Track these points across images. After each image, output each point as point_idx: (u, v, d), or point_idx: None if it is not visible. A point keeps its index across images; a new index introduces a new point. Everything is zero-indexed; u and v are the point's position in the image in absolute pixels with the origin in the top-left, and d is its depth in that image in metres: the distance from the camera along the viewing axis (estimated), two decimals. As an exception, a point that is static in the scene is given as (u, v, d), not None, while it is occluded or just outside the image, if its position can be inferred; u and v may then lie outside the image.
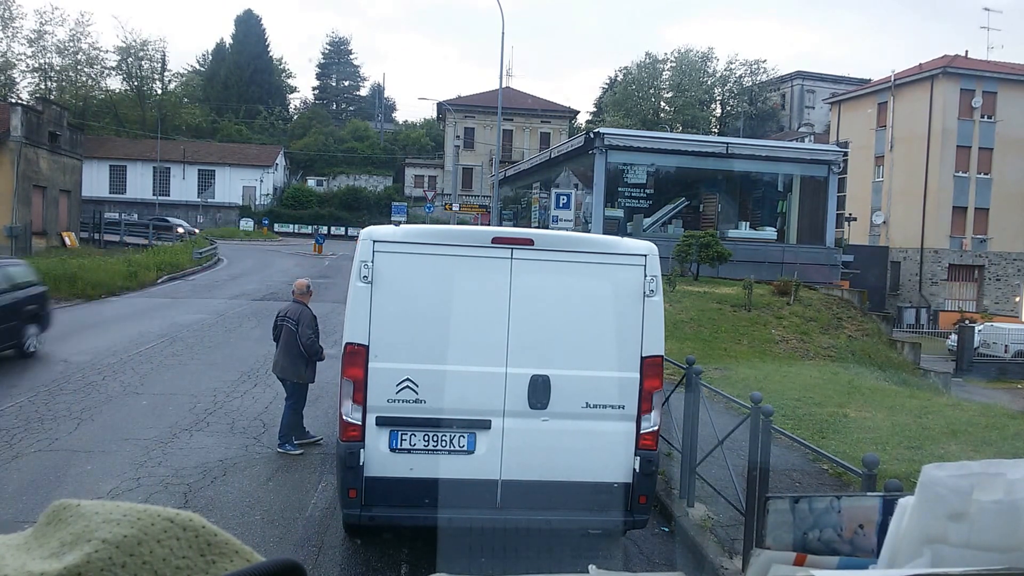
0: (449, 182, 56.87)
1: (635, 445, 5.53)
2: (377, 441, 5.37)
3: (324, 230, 54.14)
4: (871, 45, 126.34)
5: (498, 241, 5.44)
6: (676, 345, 13.93)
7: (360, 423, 5.32)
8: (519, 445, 5.43)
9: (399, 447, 5.40)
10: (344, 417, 5.34)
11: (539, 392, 5.42)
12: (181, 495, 6.97)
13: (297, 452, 8.28)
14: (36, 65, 64.62)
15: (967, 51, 44.92)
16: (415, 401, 5.37)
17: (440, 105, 62.65)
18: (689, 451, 7.13)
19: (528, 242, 5.46)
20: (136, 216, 53.35)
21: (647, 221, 26.75)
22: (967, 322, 32.86)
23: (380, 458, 5.36)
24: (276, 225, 57.83)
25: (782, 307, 19.54)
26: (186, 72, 76.81)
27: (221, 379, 11.72)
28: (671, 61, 70.04)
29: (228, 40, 74.30)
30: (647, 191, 27.30)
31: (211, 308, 19.89)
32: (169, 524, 0.69)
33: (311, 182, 65.51)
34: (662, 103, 70.93)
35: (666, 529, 6.83)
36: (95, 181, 54.82)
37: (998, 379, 27.46)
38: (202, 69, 77.19)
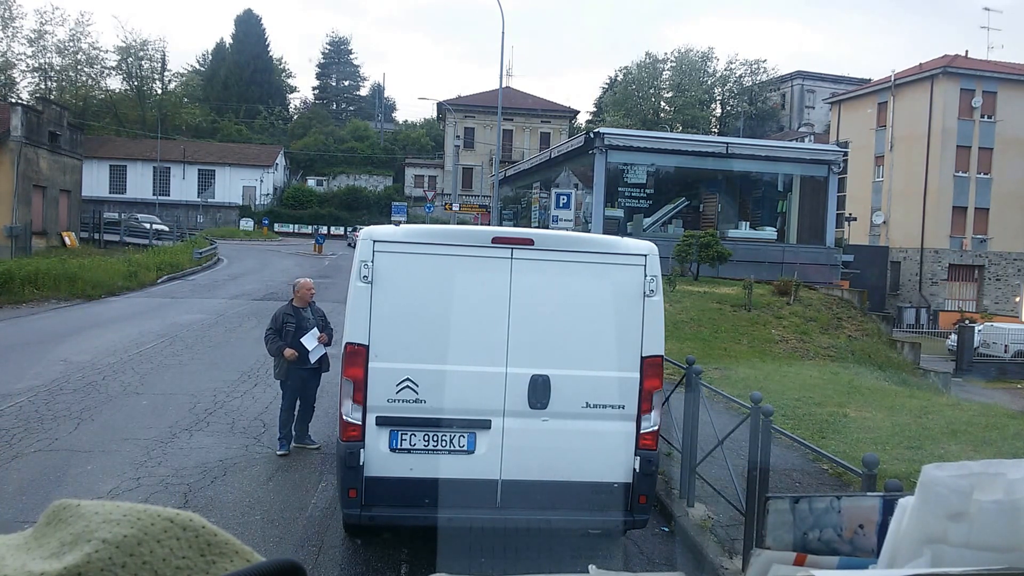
0: (449, 182, 56.88)
1: (635, 445, 5.53)
2: (377, 441, 5.37)
3: (324, 230, 54.13)
4: (871, 45, 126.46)
5: (498, 241, 5.44)
6: (676, 345, 13.93)
7: (360, 423, 5.32)
8: (519, 445, 5.43)
9: (399, 447, 5.40)
10: (344, 417, 5.34)
11: (539, 392, 5.42)
12: (181, 495, 6.97)
13: (282, 452, 8.22)
14: (36, 65, 64.71)
15: (967, 51, 44.97)
16: (415, 401, 5.37)
17: (440, 105, 62.65)
18: (689, 451, 7.13)
19: (528, 242, 5.46)
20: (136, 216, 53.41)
21: (647, 221, 26.76)
22: (967, 322, 32.85)
23: (380, 458, 5.36)
24: (276, 225, 57.85)
25: (782, 307, 19.55)
26: (186, 72, 76.90)
27: (221, 379, 11.72)
28: (671, 61, 70.09)
29: (228, 40, 74.37)
30: (647, 191, 27.31)
31: (211, 308, 19.89)
32: (169, 524, 0.69)
33: (311, 182, 65.51)
34: (662, 103, 70.96)
35: (666, 529, 6.83)
36: (95, 181, 54.85)
37: (998, 379, 27.45)
38: (202, 69, 77.21)
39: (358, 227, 52.81)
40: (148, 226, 46.06)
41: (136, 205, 57.39)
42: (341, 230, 56.84)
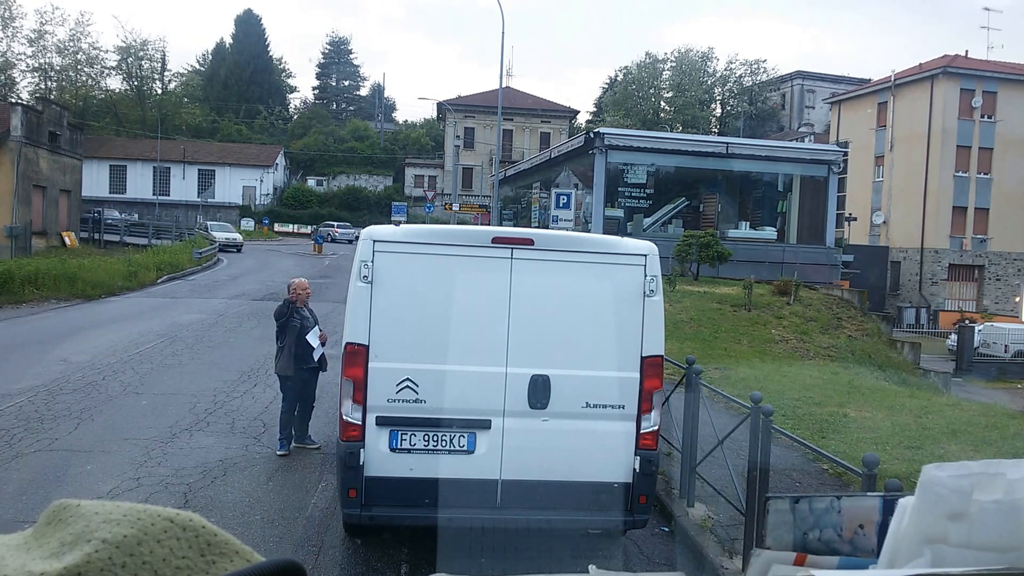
0: (449, 182, 56.89)
1: (635, 445, 5.53)
2: (377, 441, 5.37)
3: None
4: (871, 45, 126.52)
5: (498, 241, 5.44)
6: (676, 345, 13.93)
7: (360, 423, 5.32)
8: (519, 445, 5.43)
9: (399, 447, 5.40)
10: (344, 417, 5.34)
11: (539, 392, 5.42)
12: (181, 495, 6.97)
13: (281, 452, 8.24)
14: (36, 65, 64.76)
15: (967, 51, 44.96)
16: (415, 401, 5.37)
17: (440, 105, 62.66)
18: (689, 451, 7.13)
19: (528, 242, 5.46)
20: (136, 216, 53.32)
21: (647, 221, 26.76)
22: (967, 322, 32.85)
23: (380, 458, 5.36)
24: (276, 225, 57.89)
25: (782, 307, 19.54)
26: (186, 72, 76.93)
27: (221, 379, 11.72)
28: (671, 61, 70.12)
29: (228, 40, 74.40)
30: (647, 191, 27.31)
31: (211, 308, 19.89)
32: (169, 524, 0.69)
33: (311, 182, 65.54)
34: (662, 103, 70.98)
35: (666, 529, 6.83)
36: (95, 181, 54.82)
37: (998, 379, 27.45)
38: (202, 69, 77.23)
39: (335, 224, 52.98)
40: (225, 236, 40.83)
41: (136, 205, 57.39)
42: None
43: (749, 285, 19.13)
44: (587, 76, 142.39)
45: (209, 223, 45.66)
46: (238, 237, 42.17)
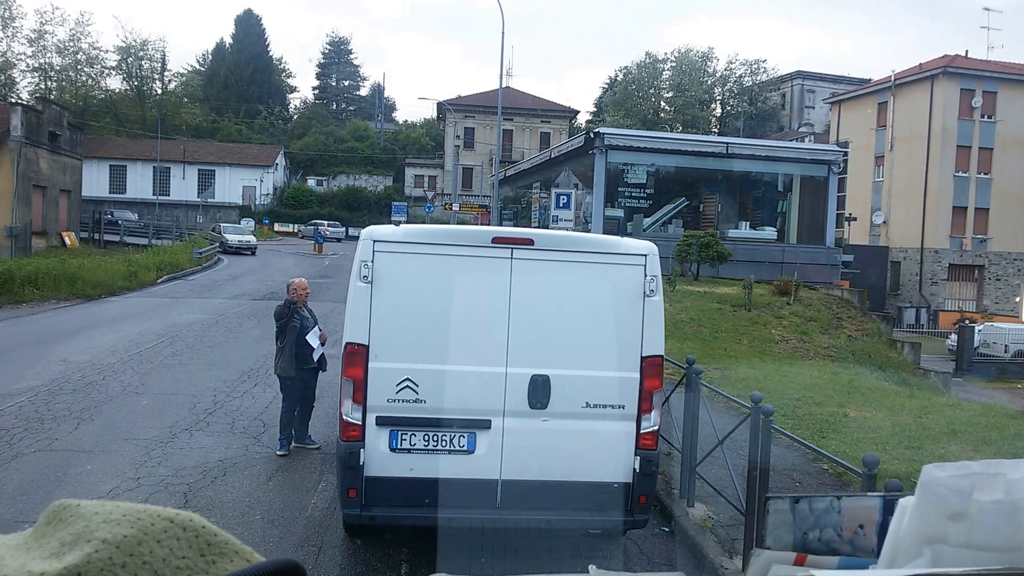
0: (449, 182, 56.89)
1: (635, 445, 5.53)
2: (377, 441, 5.37)
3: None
4: (871, 45, 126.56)
5: (498, 241, 5.44)
6: (676, 345, 13.94)
7: (360, 423, 5.32)
8: (519, 445, 5.43)
9: (399, 447, 5.40)
10: (344, 417, 5.34)
11: (539, 392, 5.42)
12: (181, 495, 6.97)
13: (281, 452, 8.24)
14: (36, 65, 64.73)
15: (967, 51, 44.96)
16: (415, 401, 5.36)
17: (440, 105, 62.66)
18: (689, 451, 7.13)
19: (528, 242, 5.46)
20: (136, 217, 53.27)
21: (647, 221, 26.76)
22: (967, 322, 32.85)
23: (380, 458, 5.36)
24: (276, 225, 57.92)
25: (782, 307, 19.55)
26: (186, 72, 76.95)
27: (221, 379, 11.72)
28: (671, 61, 70.08)
29: (228, 40, 74.41)
30: (647, 191, 27.32)
31: (211, 308, 19.89)
32: (169, 524, 0.69)
33: (311, 182, 65.54)
34: (662, 103, 70.97)
35: (666, 529, 6.83)
36: (95, 181, 54.82)
37: (998, 379, 27.46)
38: (202, 69, 77.24)
39: (325, 222, 53.08)
40: (238, 238, 38.53)
41: (136, 205, 57.39)
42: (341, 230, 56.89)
43: (749, 285, 19.14)
44: (587, 76, 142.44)
45: (222, 224, 43.66)
46: (252, 239, 39.64)
